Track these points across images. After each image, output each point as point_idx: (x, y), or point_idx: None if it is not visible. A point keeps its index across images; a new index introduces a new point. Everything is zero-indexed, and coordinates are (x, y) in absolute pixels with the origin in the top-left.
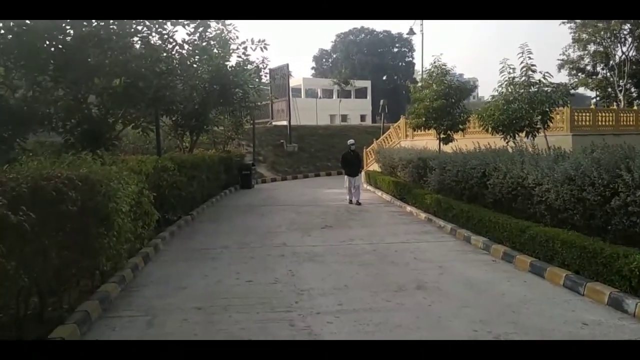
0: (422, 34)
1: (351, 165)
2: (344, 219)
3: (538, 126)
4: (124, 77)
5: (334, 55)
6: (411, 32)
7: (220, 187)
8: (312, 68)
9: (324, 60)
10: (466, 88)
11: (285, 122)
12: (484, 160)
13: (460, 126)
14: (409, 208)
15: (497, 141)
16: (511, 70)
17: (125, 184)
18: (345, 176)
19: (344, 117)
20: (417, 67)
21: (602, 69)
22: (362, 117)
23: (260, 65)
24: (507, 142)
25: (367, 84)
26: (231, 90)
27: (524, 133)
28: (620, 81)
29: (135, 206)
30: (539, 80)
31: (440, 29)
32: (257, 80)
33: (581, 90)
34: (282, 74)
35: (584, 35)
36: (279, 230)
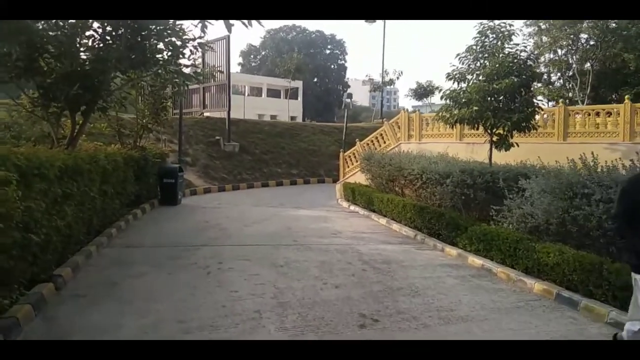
0: (384, 23)
1: None
2: (384, 293)
3: None
4: None
5: (263, 53)
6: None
7: (128, 205)
8: (239, 64)
9: (252, 56)
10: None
11: (220, 114)
12: None
13: (530, 122)
14: (474, 259)
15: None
16: None
17: None
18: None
19: (273, 117)
20: (349, 73)
21: (559, 78)
22: (292, 119)
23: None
24: None
25: (298, 84)
26: (150, 41)
27: None
28: (580, 93)
29: None
30: None
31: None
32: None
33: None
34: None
35: (545, 38)
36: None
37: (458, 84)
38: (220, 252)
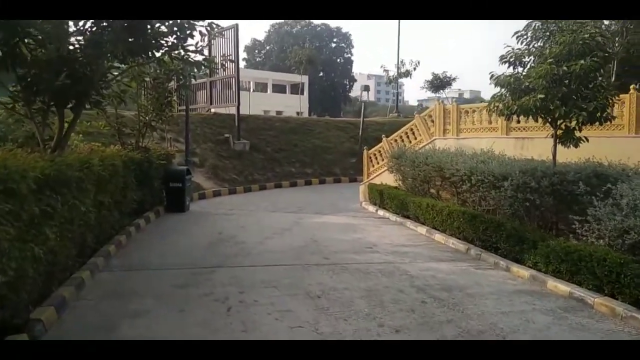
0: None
1: None
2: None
3: None
4: None
5: (267, 47)
6: None
7: (130, 214)
8: (244, 59)
9: (256, 51)
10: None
11: (227, 110)
12: None
13: (606, 112)
14: (557, 285)
15: None
16: None
17: None
18: None
19: (279, 113)
20: (357, 68)
21: None
22: (298, 114)
23: None
24: None
25: (303, 79)
26: (152, 23)
27: None
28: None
29: None
30: None
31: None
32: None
33: None
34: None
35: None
36: None
37: (514, 68)
38: (239, 275)
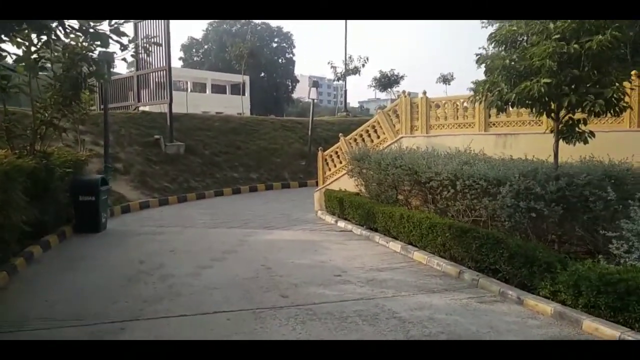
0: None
1: None
2: None
3: None
4: None
5: (206, 46)
6: None
7: (19, 241)
8: (180, 58)
9: (194, 50)
10: None
11: (159, 108)
12: None
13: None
14: (600, 327)
15: None
16: None
17: None
18: None
19: (219, 114)
20: (298, 69)
21: None
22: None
23: None
24: None
25: (244, 78)
26: None
27: None
28: None
29: None
30: None
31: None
32: None
33: None
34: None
35: None
36: None
37: (506, 50)
38: (162, 335)
